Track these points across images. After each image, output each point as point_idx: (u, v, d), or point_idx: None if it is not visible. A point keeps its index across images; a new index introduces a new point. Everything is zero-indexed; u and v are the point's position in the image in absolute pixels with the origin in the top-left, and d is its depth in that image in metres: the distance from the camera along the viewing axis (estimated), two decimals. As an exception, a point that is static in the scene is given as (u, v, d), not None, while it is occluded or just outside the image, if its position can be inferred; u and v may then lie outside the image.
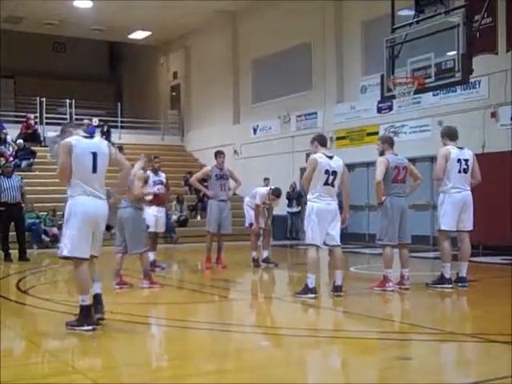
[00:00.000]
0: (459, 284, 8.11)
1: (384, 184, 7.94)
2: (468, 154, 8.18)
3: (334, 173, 7.35)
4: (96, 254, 5.89)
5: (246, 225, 11.33)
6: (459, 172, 8.04)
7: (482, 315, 6.62)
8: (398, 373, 4.41)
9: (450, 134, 8.30)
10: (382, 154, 8.15)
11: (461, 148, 8.19)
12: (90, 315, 5.66)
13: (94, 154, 5.74)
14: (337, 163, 7.44)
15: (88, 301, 5.65)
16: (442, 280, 8.14)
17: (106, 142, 6.10)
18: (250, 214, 11.15)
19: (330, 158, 7.44)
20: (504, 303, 7.06)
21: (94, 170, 5.75)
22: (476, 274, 9.62)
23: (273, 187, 11.19)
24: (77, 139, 5.76)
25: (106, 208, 5.86)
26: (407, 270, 8.07)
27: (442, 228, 8.16)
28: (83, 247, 5.60)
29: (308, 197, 7.45)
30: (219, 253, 10.89)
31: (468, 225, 8.16)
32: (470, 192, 8.13)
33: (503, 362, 4.59)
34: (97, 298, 5.91)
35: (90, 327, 5.59)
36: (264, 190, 11.21)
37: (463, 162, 8.07)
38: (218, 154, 10.90)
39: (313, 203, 7.33)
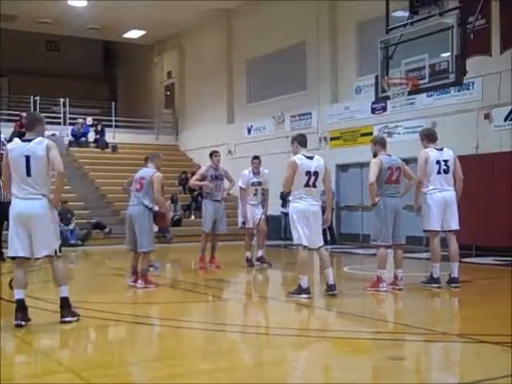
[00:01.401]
0: (452, 285, 8.14)
1: (377, 185, 7.95)
2: (448, 154, 8.20)
3: (316, 173, 7.31)
4: (38, 255, 5.95)
5: (239, 225, 11.23)
6: (439, 173, 8.09)
7: (474, 316, 6.64)
8: (391, 373, 4.42)
9: (430, 136, 8.35)
10: (375, 155, 8.16)
11: (440, 149, 8.23)
12: (18, 310, 5.84)
13: (27, 158, 5.81)
14: (317, 163, 7.39)
15: (18, 295, 5.89)
16: (430, 280, 8.20)
17: (47, 143, 5.88)
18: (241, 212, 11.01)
19: (311, 158, 7.40)
20: (496, 304, 7.10)
21: (28, 173, 5.81)
22: (468, 274, 9.65)
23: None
24: (13, 143, 5.97)
25: (41, 208, 5.84)
26: (401, 271, 8.09)
27: (426, 228, 8.24)
28: (15, 247, 5.94)
29: (290, 198, 7.45)
30: (213, 252, 10.87)
31: (452, 224, 8.18)
32: (452, 192, 8.16)
33: (495, 363, 4.62)
34: (61, 302, 5.96)
35: (17, 322, 5.77)
36: (246, 170, 11.11)
37: (442, 163, 8.11)
38: (214, 154, 10.85)
39: (294, 203, 7.34)
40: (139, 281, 8.42)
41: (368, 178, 8.00)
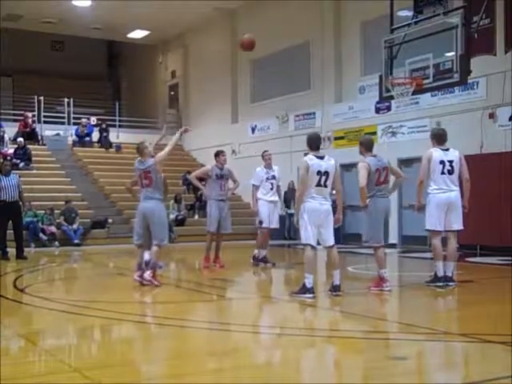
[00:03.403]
0: (445, 283, 8.17)
1: (367, 187, 7.99)
2: (453, 155, 8.23)
3: (326, 173, 7.33)
4: None
5: (257, 224, 11.04)
6: (442, 173, 8.13)
7: (477, 315, 6.64)
8: (394, 373, 4.42)
9: (437, 137, 8.38)
10: (362, 154, 8.22)
11: (446, 149, 8.26)
12: None
13: None
14: (328, 163, 7.42)
15: None
16: (434, 279, 8.24)
17: None
18: (260, 211, 10.78)
19: (321, 158, 7.42)
20: (501, 303, 7.09)
21: None
22: (473, 274, 9.66)
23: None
24: None
25: None
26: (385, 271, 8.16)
27: (427, 228, 8.31)
28: None
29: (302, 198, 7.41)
30: (217, 252, 10.85)
31: (454, 225, 8.21)
32: (456, 192, 8.17)
33: (498, 363, 4.61)
34: None
35: None
36: (258, 168, 10.97)
37: (447, 164, 8.14)
38: (221, 153, 10.77)
39: (305, 203, 7.33)
40: (148, 272, 8.40)
41: (358, 182, 8.00)
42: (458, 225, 8.21)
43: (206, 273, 10.49)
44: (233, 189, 11.30)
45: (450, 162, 8.16)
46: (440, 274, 8.17)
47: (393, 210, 15.55)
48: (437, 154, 8.18)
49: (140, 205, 8.58)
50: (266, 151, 11.27)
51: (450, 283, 8.14)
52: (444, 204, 8.12)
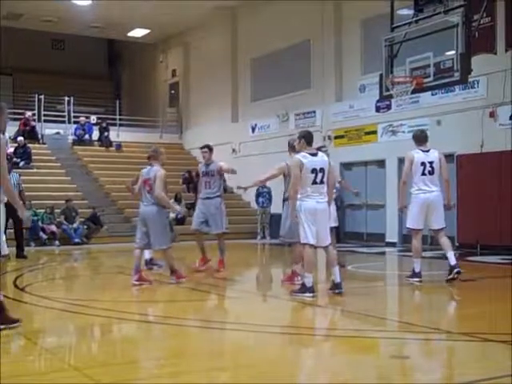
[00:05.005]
0: (454, 271, 8.25)
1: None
2: (433, 156, 8.44)
3: (322, 170, 7.29)
4: None
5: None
6: (423, 174, 8.36)
7: (478, 314, 6.64)
8: (395, 371, 4.42)
9: (416, 138, 8.67)
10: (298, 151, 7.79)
11: (427, 151, 8.47)
12: None
13: None
14: (321, 159, 7.37)
15: None
16: (412, 274, 8.52)
17: None
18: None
19: (315, 155, 7.36)
20: (501, 302, 7.09)
21: None
22: (474, 273, 9.65)
23: None
24: None
25: None
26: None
27: (408, 226, 8.62)
28: None
29: (298, 196, 7.35)
30: (204, 253, 10.40)
31: (435, 224, 8.47)
32: (436, 193, 8.40)
33: (500, 362, 4.61)
34: None
35: None
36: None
37: (428, 165, 8.37)
38: (201, 149, 10.37)
39: (301, 202, 7.28)
40: (171, 277, 8.58)
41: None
42: (438, 224, 8.46)
43: (205, 272, 10.45)
44: (229, 171, 10.32)
45: (431, 163, 8.39)
46: (417, 270, 8.47)
47: (393, 209, 15.71)
48: (418, 155, 8.43)
49: (140, 208, 8.72)
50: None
51: (457, 270, 8.22)
52: (424, 204, 8.37)
